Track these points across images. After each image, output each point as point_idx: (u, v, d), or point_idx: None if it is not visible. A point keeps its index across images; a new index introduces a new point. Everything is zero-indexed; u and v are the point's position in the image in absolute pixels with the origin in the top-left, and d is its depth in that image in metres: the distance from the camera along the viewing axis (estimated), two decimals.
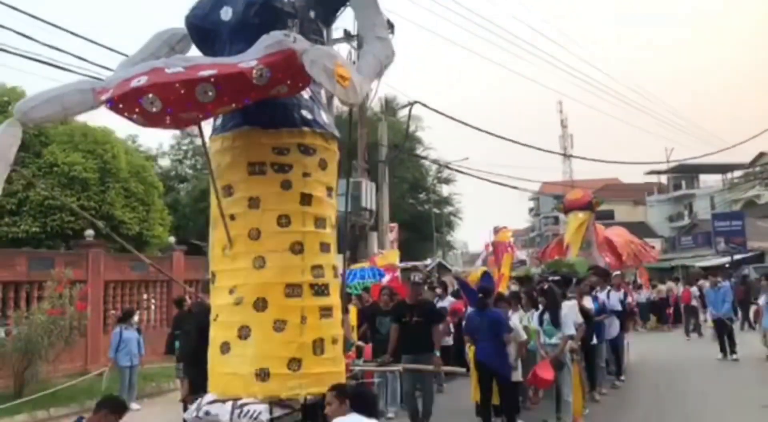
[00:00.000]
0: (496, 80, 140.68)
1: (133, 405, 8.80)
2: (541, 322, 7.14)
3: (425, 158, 36.50)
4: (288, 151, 4.58)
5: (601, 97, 67.76)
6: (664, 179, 55.51)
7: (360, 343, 6.97)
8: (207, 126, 4.59)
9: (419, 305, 7.05)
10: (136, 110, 3.53)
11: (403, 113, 41.29)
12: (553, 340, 6.91)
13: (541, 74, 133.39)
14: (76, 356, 11.53)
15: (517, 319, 7.32)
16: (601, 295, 9.63)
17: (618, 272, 14.18)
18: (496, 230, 30.10)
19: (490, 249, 30.08)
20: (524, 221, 75.64)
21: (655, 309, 21.09)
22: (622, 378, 10.12)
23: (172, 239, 16.15)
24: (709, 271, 26.58)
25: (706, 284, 19.38)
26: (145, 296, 14.09)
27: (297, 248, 4.50)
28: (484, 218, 78.29)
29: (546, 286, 7.37)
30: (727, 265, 30.01)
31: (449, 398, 8.72)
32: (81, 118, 14.82)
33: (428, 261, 34.16)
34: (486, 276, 9.38)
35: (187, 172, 23.10)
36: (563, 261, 15.97)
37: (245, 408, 4.04)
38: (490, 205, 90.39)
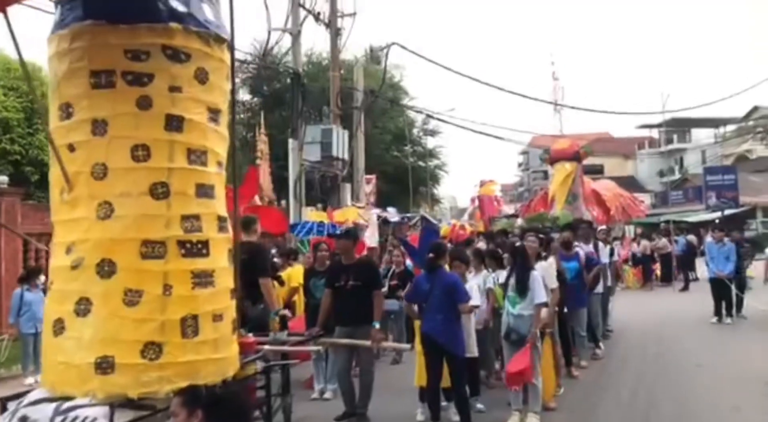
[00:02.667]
0: (486, 34, 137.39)
1: (38, 378, 7.64)
2: (505, 288, 5.84)
3: (410, 108, 34.98)
4: (147, 56, 3.28)
5: (594, 46, 65.78)
6: (655, 134, 54.35)
7: (285, 312, 5.74)
8: None
9: (356, 266, 5.74)
10: None
11: (388, 62, 39.86)
12: (517, 310, 5.61)
13: (533, 26, 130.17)
14: None
15: (477, 282, 6.19)
16: (585, 248, 8.40)
17: (603, 227, 13.00)
18: (482, 183, 28.93)
19: (476, 203, 28.98)
20: (513, 176, 74.72)
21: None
22: (601, 345, 8.70)
23: (3, 178, 14.48)
24: (696, 226, 25.71)
25: (707, 238, 18.33)
26: None
27: (160, 191, 3.25)
28: (472, 172, 77.10)
29: (518, 243, 6.15)
30: (717, 220, 29.15)
31: (403, 372, 7.08)
32: (2, 52, 13.17)
33: (409, 214, 33.15)
34: (429, 231, 7.96)
35: None
36: (546, 215, 14.88)
37: (71, 414, 2.86)
38: (478, 159, 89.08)
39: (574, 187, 15.51)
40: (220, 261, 3.43)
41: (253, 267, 5.24)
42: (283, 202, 17.63)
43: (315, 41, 36.38)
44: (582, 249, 8.38)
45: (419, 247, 6.21)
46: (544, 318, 5.68)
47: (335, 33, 17.18)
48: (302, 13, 15.28)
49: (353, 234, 6.09)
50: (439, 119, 31.97)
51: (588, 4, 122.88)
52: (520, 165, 72.50)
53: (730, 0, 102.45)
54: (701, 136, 51.53)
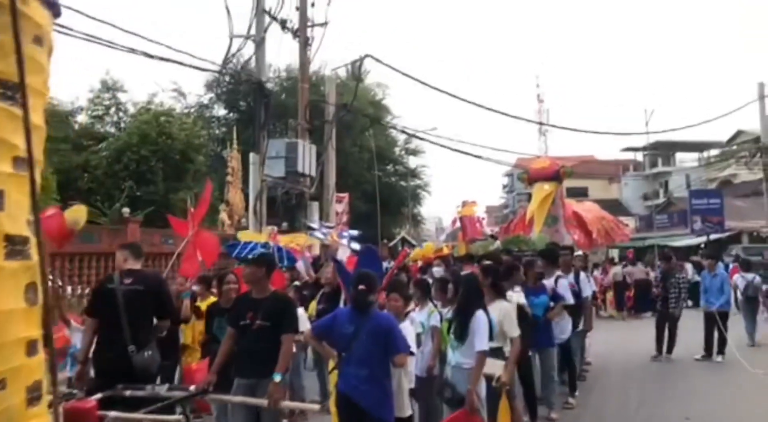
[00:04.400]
0: (470, 56, 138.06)
1: None
2: (449, 329, 4.80)
3: (392, 126, 34.18)
4: None
5: (579, 68, 65.76)
6: (640, 157, 54.07)
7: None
8: None
9: (268, 301, 4.62)
10: None
11: (369, 80, 39.19)
12: (455, 359, 4.59)
13: (518, 48, 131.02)
14: None
15: (421, 319, 5.21)
16: (547, 283, 7.41)
17: (579, 252, 12.07)
18: (464, 204, 28.17)
19: (458, 224, 28.18)
20: (499, 198, 74.17)
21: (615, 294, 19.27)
22: (576, 393, 7.81)
23: (126, 210, 13.61)
24: (679, 252, 24.96)
25: (688, 267, 17.51)
26: None
27: None
28: (458, 194, 76.50)
29: (466, 274, 5.17)
30: (702, 245, 28.42)
31: None
32: None
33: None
34: (369, 254, 6.44)
35: (109, 131, 20.49)
36: (522, 238, 13.98)
37: None
38: (463, 180, 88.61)
39: (554, 208, 14.65)
40: (7, 301, 2.41)
41: (145, 303, 4.26)
42: (283, 225, 16.69)
43: (287, 52, 35.49)
44: (562, 279, 7.45)
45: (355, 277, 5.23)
46: (501, 374, 4.60)
47: (304, 42, 16.36)
48: (267, 19, 14.44)
49: (266, 260, 4.88)
50: (420, 138, 31.20)
51: (574, 27, 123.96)
52: (504, 187, 72.05)
53: (714, 22, 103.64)
54: (686, 159, 51.32)
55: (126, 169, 17.07)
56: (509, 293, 5.45)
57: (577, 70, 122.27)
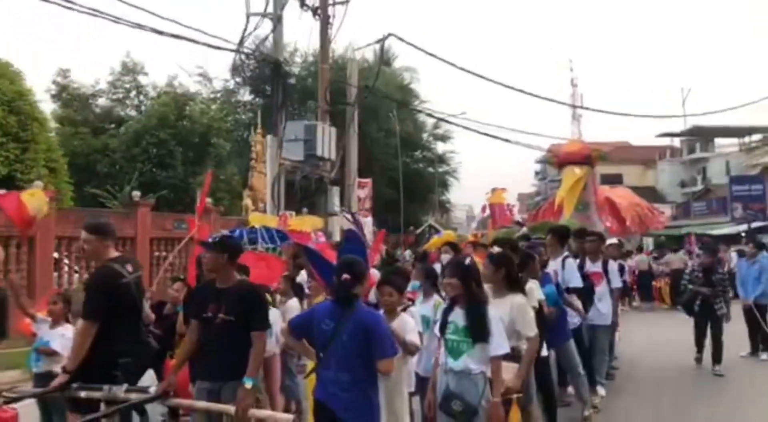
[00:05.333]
0: (502, 41, 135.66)
1: None
2: (443, 328, 4.00)
3: (420, 110, 33.46)
4: None
5: (614, 52, 63.85)
6: (677, 143, 52.28)
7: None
8: None
9: (233, 292, 3.98)
10: None
11: (398, 64, 38.46)
12: (460, 364, 3.82)
13: (551, 32, 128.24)
14: None
15: (426, 312, 4.62)
16: (552, 264, 6.44)
17: (614, 240, 11.32)
18: (493, 191, 27.51)
19: (487, 211, 27.58)
20: (530, 185, 72.86)
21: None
22: (599, 390, 7.03)
23: (136, 193, 13.34)
24: (721, 240, 23.86)
25: (731, 254, 16.65)
26: None
27: None
28: (489, 181, 75.45)
29: (466, 259, 4.52)
30: (743, 234, 27.25)
31: None
32: None
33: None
34: (352, 239, 5.74)
35: (129, 115, 20.25)
36: (550, 224, 13.31)
37: None
38: (495, 167, 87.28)
39: (586, 194, 13.92)
40: None
41: (143, 288, 3.81)
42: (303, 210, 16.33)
43: (308, 32, 34.96)
44: (570, 260, 6.76)
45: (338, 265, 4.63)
46: (509, 379, 3.98)
47: (325, 21, 15.82)
48: None
49: (228, 243, 4.11)
50: (448, 122, 30.57)
51: (608, 9, 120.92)
52: (537, 174, 70.66)
53: (750, 5, 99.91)
54: (725, 145, 49.45)
55: (144, 153, 16.81)
56: (529, 285, 4.83)
57: (612, 55, 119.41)
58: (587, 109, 50.60)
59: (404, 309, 4.38)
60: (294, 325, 4.00)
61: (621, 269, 8.82)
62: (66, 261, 12.10)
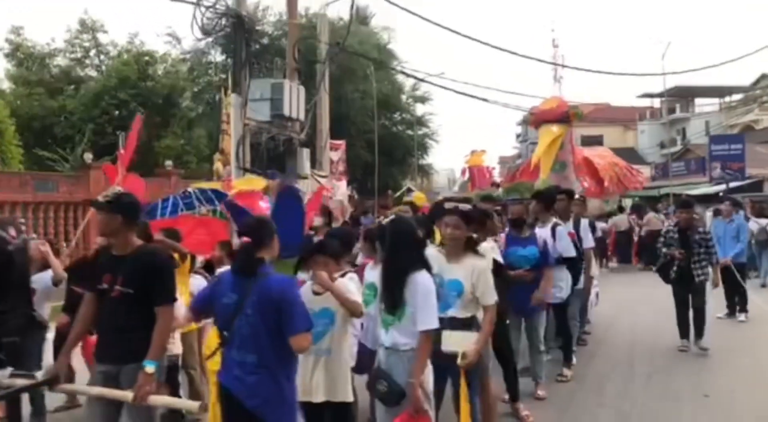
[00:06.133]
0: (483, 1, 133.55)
1: None
2: (381, 298, 3.48)
3: (398, 70, 32.62)
4: None
5: (594, 12, 63.04)
6: (657, 103, 52.06)
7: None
8: None
9: (132, 260, 3.41)
10: None
11: (375, 23, 37.43)
12: (389, 338, 3.37)
13: None
14: None
15: (375, 278, 4.13)
16: (542, 232, 6.05)
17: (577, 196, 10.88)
18: (473, 153, 27.02)
19: (467, 174, 27.17)
20: (512, 148, 72.54)
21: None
22: (573, 363, 6.66)
23: (88, 156, 12.56)
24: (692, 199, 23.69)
25: (707, 214, 16.47)
26: None
27: None
28: (469, 145, 74.89)
29: (394, 217, 4.02)
30: (720, 193, 27.16)
31: None
32: None
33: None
34: (288, 194, 4.95)
35: (89, 75, 19.27)
36: (526, 184, 12.92)
37: None
38: (475, 131, 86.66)
39: (563, 153, 13.57)
40: None
41: None
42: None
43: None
44: (561, 228, 6.37)
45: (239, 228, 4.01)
46: (455, 351, 3.56)
47: None
48: None
49: (122, 203, 3.46)
50: (427, 82, 29.96)
51: None
52: (518, 136, 70.27)
53: None
54: (705, 105, 49.33)
55: (105, 115, 16.00)
56: (483, 245, 4.38)
57: (593, 15, 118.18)
58: (567, 67, 49.83)
59: (343, 275, 3.90)
60: (195, 303, 3.46)
61: (592, 228, 8.27)
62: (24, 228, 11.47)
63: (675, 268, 7.58)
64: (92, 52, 19.69)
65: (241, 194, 7.07)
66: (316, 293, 3.69)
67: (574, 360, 6.74)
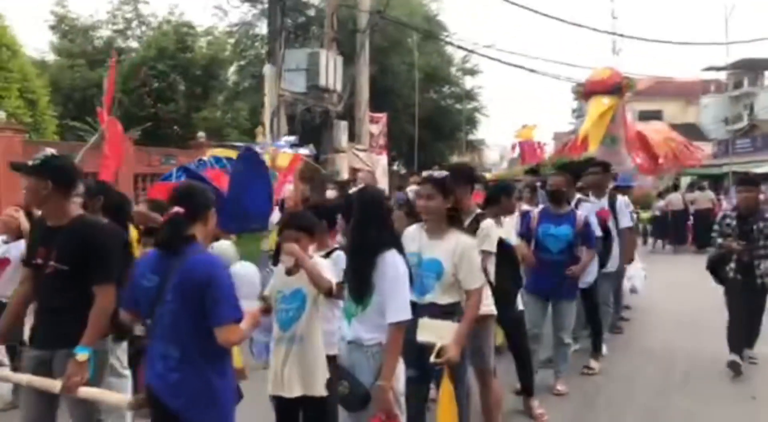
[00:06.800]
0: None
1: None
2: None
3: (445, 41, 31.74)
4: None
5: None
6: (723, 77, 49.31)
7: None
8: None
9: (68, 232, 3.04)
10: None
11: None
12: (351, 331, 2.93)
13: None
14: None
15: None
16: (594, 204, 5.58)
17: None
18: (524, 127, 26.10)
19: (517, 150, 26.32)
20: (568, 124, 70.47)
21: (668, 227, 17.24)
22: (603, 354, 6.02)
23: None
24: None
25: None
26: None
27: None
28: (522, 120, 72.86)
29: (361, 189, 3.44)
30: None
31: None
32: None
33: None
34: (247, 162, 4.45)
35: (131, 47, 19.30)
36: (570, 159, 12.19)
37: None
38: (530, 107, 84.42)
39: (614, 127, 12.80)
40: None
41: None
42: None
43: None
44: (589, 205, 5.78)
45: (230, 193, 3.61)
46: (432, 342, 3.05)
47: None
48: None
49: (53, 167, 3.06)
50: (476, 53, 29.09)
51: None
52: (574, 111, 68.12)
53: None
54: None
55: (143, 86, 15.97)
56: (485, 222, 3.76)
57: None
58: (626, 37, 47.60)
59: (328, 254, 3.46)
60: (125, 300, 2.92)
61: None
62: None
63: (733, 265, 5.87)
64: (134, 24, 19.75)
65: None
66: (289, 273, 3.25)
67: (605, 350, 6.16)
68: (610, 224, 6.14)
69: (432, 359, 3.06)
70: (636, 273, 7.96)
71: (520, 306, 4.46)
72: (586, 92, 13.51)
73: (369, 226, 2.89)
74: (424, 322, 3.17)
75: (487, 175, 18.48)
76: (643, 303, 8.47)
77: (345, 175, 14.72)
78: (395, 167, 31.80)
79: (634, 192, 13.12)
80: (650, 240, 18.22)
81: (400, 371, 2.87)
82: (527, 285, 4.95)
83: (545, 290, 5.04)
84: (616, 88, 12.87)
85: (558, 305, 5.12)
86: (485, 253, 3.66)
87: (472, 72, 36.74)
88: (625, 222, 6.43)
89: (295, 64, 13.66)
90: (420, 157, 28.59)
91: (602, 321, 6.07)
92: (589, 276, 5.57)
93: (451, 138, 37.07)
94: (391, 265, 2.83)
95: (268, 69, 13.47)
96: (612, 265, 6.20)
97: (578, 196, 5.91)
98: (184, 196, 2.71)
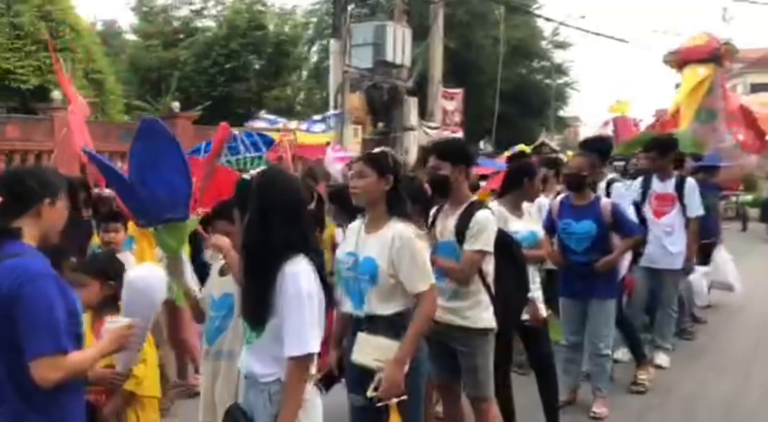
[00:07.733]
0: None
1: None
2: None
3: (532, 13, 30.32)
4: None
5: None
6: None
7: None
8: None
9: None
10: None
11: None
12: (246, 366, 2.21)
13: None
14: None
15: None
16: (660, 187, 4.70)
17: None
18: (618, 102, 24.54)
19: (610, 126, 24.81)
20: (670, 100, 66.27)
21: None
22: (664, 363, 5.20)
23: (176, 104, 12.70)
24: None
25: None
26: None
27: None
28: (619, 95, 69.12)
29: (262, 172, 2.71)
30: None
31: None
32: None
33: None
34: (148, 137, 2.79)
35: (208, 26, 19.42)
36: (648, 136, 11.02)
37: None
38: (633, 83, 79.91)
39: (711, 99, 11.52)
40: None
41: None
42: (379, 125, 15.05)
43: None
44: (622, 187, 4.91)
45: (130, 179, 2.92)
46: (370, 366, 2.45)
47: None
48: None
49: None
50: (566, 25, 27.60)
51: None
52: (677, 86, 63.97)
53: None
54: None
55: (215, 65, 15.97)
56: (479, 213, 2.97)
57: None
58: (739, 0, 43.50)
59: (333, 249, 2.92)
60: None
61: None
62: None
63: None
64: (210, 3, 19.92)
65: (305, 146, 6.34)
66: (222, 273, 2.72)
67: (666, 361, 5.22)
68: (675, 212, 5.13)
69: (369, 392, 2.42)
70: (725, 266, 6.84)
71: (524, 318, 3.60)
72: (679, 61, 12.20)
73: (269, 223, 2.13)
74: (361, 339, 2.53)
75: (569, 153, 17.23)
76: (726, 302, 7.32)
77: (414, 154, 14.17)
78: (481, 146, 30.85)
79: (737, 171, 11.76)
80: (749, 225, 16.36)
81: (316, 407, 2.19)
82: (562, 288, 4.20)
83: (577, 293, 4.25)
84: (715, 55, 11.54)
85: (589, 307, 4.26)
86: (481, 253, 2.99)
87: (563, 45, 35.03)
88: (694, 209, 5.25)
89: (362, 39, 13.15)
90: (503, 134, 27.48)
91: (665, 329, 5.17)
92: (676, 261, 4.70)
93: (540, 114, 35.58)
94: (292, 277, 2.08)
95: (332, 44, 13.08)
96: (674, 262, 5.14)
97: (610, 175, 5.04)
98: (10, 182, 2.07)
